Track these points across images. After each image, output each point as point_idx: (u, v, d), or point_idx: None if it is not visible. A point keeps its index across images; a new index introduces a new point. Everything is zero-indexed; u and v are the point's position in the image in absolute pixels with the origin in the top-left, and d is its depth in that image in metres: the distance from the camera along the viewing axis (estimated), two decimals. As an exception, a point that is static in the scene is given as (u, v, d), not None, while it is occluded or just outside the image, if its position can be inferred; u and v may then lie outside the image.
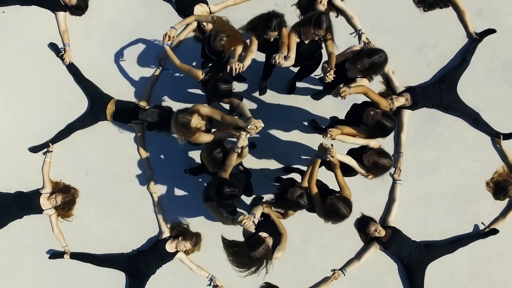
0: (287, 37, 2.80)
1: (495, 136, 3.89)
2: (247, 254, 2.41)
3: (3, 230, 3.78)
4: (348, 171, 2.88)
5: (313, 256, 3.81)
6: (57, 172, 3.82)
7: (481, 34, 3.91)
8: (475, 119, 3.88)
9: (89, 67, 3.85)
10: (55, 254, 3.78)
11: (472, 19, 3.96)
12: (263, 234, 2.56)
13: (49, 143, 3.79)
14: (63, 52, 3.83)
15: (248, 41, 2.90)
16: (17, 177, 3.83)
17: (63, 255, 3.76)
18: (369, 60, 2.69)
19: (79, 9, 3.82)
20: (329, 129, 2.71)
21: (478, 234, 3.84)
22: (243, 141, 2.63)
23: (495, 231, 3.79)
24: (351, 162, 2.80)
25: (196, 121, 2.67)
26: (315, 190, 2.84)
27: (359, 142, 2.84)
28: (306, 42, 2.89)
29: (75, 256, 3.77)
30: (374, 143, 2.84)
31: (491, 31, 3.89)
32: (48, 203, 3.70)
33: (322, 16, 2.71)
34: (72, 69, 3.84)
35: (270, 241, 2.55)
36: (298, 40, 2.87)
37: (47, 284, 3.82)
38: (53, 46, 3.86)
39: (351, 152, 3.01)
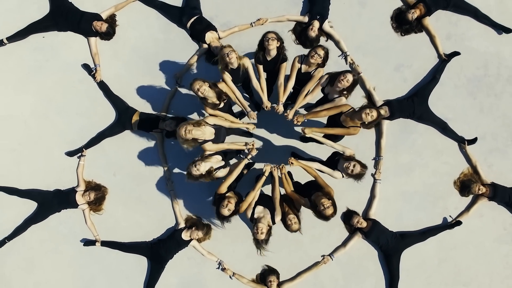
0: (283, 76, 3.57)
1: (461, 142, 4.56)
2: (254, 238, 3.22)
3: (44, 222, 4.46)
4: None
5: (306, 244, 4.49)
6: (89, 173, 4.50)
7: (449, 56, 4.58)
8: (443, 128, 4.55)
9: (117, 84, 4.53)
10: (88, 242, 4.47)
11: (442, 42, 4.62)
12: (259, 213, 3.39)
13: (83, 148, 4.47)
14: (94, 71, 4.51)
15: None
16: (55, 177, 4.51)
17: (95, 243, 4.44)
18: (353, 76, 3.40)
19: (108, 35, 4.49)
20: (302, 128, 3.53)
21: (446, 225, 4.51)
22: (254, 152, 3.51)
23: (459, 223, 4.47)
24: (317, 166, 3.53)
25: (182, 131, 3.25)
26: (293, 194, 3.58)
27: (336, 147, 3.53)
28: (302, 71, 3.60)
29: (105, 243, 4.45)
30: (348, 151, 3.52)
31: (456, 53, 4.56)
32: (83, 199, 4.38)
33: (322, 45, 3.51)
34: (102, 85, 4.52)
35: (266, 214, 3.37)
36: (299, 66, 3.60)
37: (81, 267, 4.51)
38: (86, 66, 4.55)
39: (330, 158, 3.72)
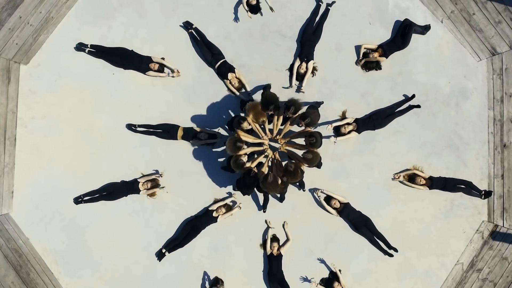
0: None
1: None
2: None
3: (115, 202, 6.33)
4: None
5: (298, 219, 6.37)
6: (147, 169, 6.36)
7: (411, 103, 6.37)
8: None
9: (166, 108, 6.36)
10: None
11: (395, 77, 6.48)
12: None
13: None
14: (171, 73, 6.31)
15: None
16: (122, 172, 6.34)
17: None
18: (304, 121, 5.33)
19: (160, 72, 6.35)
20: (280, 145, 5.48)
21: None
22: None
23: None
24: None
25: (233, 142, 5.26)
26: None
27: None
28: (287, 116, 5.60)
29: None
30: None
31: (413, 96, 6.33)
32: (143, 187, 6.29)
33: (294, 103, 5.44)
34: (148, 126, 6.33)
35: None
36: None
37: (141, 234, 6.33)
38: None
39: None
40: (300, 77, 6.34)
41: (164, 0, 6.48)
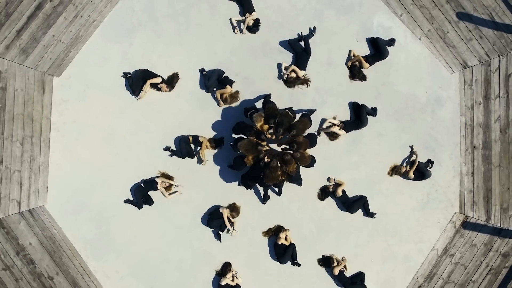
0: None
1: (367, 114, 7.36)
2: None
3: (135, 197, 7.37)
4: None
5: (294, 211, 7.31)
6: (164, 168, 7.32)
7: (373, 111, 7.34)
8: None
9: (180, 113, 7.33)
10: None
11: (379, 87, 7.45)
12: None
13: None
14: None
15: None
16: (142, 170, 7.28)
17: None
18: (290, 133, 6.25)
19: (171, 89, 7.28)
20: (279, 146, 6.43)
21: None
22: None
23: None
24: None
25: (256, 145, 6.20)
26: None
27: None
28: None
29: None
30: None
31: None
32: (161, 185, 7.24)
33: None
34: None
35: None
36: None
37: (158, 223, 7.29)
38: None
39: None
40: (292, 83, 7.23)
41: (178, 21, 7.41)
